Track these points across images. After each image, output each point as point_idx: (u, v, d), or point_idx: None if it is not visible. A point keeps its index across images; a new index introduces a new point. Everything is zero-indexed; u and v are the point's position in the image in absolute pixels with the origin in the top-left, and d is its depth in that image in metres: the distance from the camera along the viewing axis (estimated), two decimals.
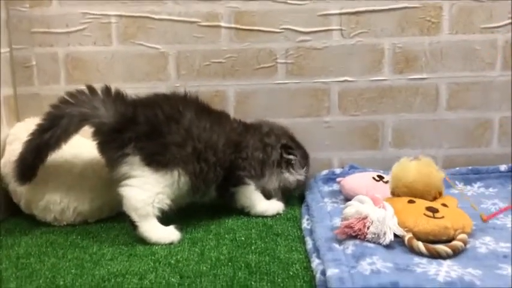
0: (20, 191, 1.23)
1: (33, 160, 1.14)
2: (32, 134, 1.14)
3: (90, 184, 1.23)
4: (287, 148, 1.30)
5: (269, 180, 1.28)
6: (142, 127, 1.11)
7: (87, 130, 1.36)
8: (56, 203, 1.21)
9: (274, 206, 1.26)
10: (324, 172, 1.41)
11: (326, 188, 1.33)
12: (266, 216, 1.24)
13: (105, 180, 1.23)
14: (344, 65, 1.40)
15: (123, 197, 1.10)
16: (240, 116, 1.39)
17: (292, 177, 1.30)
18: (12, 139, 1.29)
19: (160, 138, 1.12)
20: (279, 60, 1.40)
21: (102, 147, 1.16)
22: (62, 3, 1.37)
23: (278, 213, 1.26)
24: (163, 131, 1.12)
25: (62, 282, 0.93)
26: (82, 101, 1.14)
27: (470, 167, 1.38)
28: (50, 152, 1.14)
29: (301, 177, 1.31)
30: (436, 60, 1.39)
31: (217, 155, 1.18)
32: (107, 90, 1.15)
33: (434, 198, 1.07)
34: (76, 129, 1.13)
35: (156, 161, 1.11)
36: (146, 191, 1.10)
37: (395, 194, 1.09)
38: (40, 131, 1.13)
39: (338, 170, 1.41)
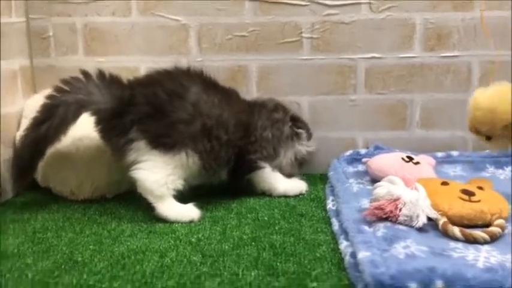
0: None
1: (30, 156, 1.08)
2: (27, 128, 1.08)
3: (108, 158, 1.19)
4: (296, 121, 1.26)
5: (284, 157, 1.23)
6: (142, 108, 1.05)
7: None
8: (73, 177, 1.18)
9: (298, 185, 1.22)
10: (348, 152, 1.36)
11: (351, 169, 1.29)
12: (289, 197, 1.20)
13: None
14: (372, 40, 1.34)
15: (136, 180, 1.06)
16: (262, 93, 1.35)
17: (304, 149, 1.26)
18: (29, 112, 1.26)
19: (164, 117, 1.05)
20: (304, 35, 1.34)
21: (105, 135, 1.11)
22: None
23: (301, 193, 1.21)
24: (167, 109, 1.06)
25: (80, 258, 0.90)
26: (77, 87, 1.08)
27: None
28: (48, 145, 1.08)
29: (311, 149, 1.28)
30: (469, 38, 1.33)
31: (228, 133, 1.11)
32: (101, 74, 1.09)
33: None
34: (74, 117, 1.07)
35: (162, 143, 1.05)
36: (157, 173, 1.06)
37: (473, 127, 1.04)
38: (36, 124, 1.07)
39: (363, 151, 1.36)
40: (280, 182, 1.21)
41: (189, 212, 1.07)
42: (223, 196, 1.19)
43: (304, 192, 1.22)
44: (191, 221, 1.06)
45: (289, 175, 1.24)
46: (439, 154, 1.32)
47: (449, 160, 1.31)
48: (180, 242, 0.96)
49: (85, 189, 1.19)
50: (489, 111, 1.00)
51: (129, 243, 0.96)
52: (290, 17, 1.33)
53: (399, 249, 0.81)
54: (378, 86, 1.36)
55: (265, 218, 1.07)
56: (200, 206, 1.11)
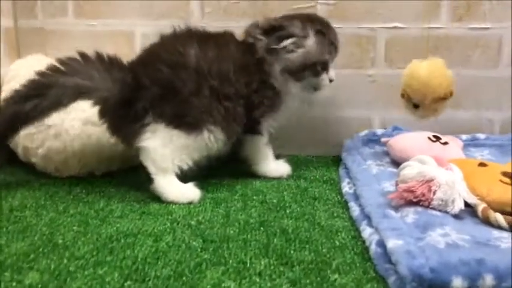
0: (16, 136, 1.06)
1: (4, 130, 0.95)
2: (7, 100, 0.95)
3: (98, 132, 1.06)
4: (272, 31, 1.02)
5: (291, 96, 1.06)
6: (151, 90, 0.94)
7: None
8: (58, 152, 1.05)
9: (281, 168, 1.10)
10: (363, 133, 1.24)
11: (367, 150, 1.16)
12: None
13: None
14: (394, 8, 1.20)
15: (143, 148, 0.95)
16: None
17: (297, 54, 1.02)
18: (12, 77, 1.13)
19: (176, 94, 0.95)
20: (319, 1, 1.21)
21: (114, 126, 0.99)
22: None
23: (282, 177, 1.08)
24: (175, 85, 0.95)
25: (61, 241, 0.77)
26: (75, 69, 0.95)
27: None
28: (28, 124, 0.96)
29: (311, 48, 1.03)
30: (503, 8, 1.19)
31: (232, 84, 0.98)
32: (99, 57, 0.96)
33: (444, 97, 1.04)
34: (68, 102, 0.95)
35: (184, 123, 0.95)
36: (168, 148, 0.95)
37: (405, 94, 1.05)
38: (18, 98, 0.94)
39: (380, 131, 1.23)
40: (266, 160, 1.09)
41: (189, 192, 0.95)
42: (226, 177, 1.07)
43: (285, 176, 1.09)
44: (190, 203, 0.93)
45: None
46: (464, 137, 1.21)
47: (475, 143, 1.20)
48: (178, 224, 0.84)
49: (71, 165, 1.06)
50: (424, 83, 1.03)
51: (118, 224, 0.83)
52: None
53: (436, 237, 0.69)
54: (399, 59, 1.22)
55: (274, 201, 0.94)
56: (200, 186, 0.98)
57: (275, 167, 1.10)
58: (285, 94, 1.06)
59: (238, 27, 1.20)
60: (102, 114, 0.99)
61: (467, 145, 1.17)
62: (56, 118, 1.04)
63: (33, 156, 1.08)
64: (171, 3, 1.22)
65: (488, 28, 1.21)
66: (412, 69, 1.05)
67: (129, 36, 1.22)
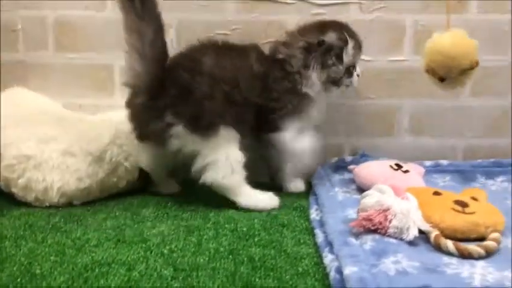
0: None
1: None
2: None
3: (77, 162, 1.11)
4: (310, 42, 1.10)
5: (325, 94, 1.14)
6: (170, 91, 1.05)
7: (75, 104, 1.26)
8: (38, 182, 1.09)
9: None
10: (334, 160, 1.30)
11: (336, 177, 1.22)
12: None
13: (95, 158, 1.12)
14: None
15: (210, 184, 1.07)
16: None
17: (340, 65, 1.11)
18: None
19: (190, 96, 1.04)
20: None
21: (143, 123, 1.08)
22: None
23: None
24: (191, 87, 1.04)
25: (38, 271, 0.81)
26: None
27: (492, 160, 1.26)
28: None
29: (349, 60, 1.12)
30: None
31: (242, 93, 1.07)
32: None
33: (470, 68, 1.02)
34: None
35: (199, 127, 1.04)
36: (218, 165, 1.05)
37: (430, 69, 1.03)
38: None
39: (349, 158, 1.29)
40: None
41: (270, 200, 1.09)
42: (200, 203, 1.12)
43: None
44: (273, 208, 1.08)
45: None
46: (428, 163, 1.27)
47: (438, 169, 1.26)
48: (151, 253, 0.88)
49: (51, 195, 1.10)
50: (448, 55, 1.01)
51: (94, 254, 0.87)
52: (275, 16, 1.27)
53: (388, 265, 0.75)
54: (366, 90, 1.29)
55: (244, 229, 0.99)
56: (174, 214, 1.03)
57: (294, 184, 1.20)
58: (317, 98, 1.13)
59: None
60: (131, 115, 1.09)
61: (431, 171, 1.23)
62: (35, 149, 1.09)
63: (14, 186, 1.11)
64: None
65: None
66: (435, 43, 1.03)
67: (108, 69, 1.27)
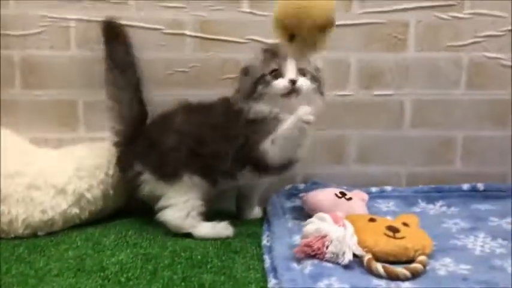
0: None
1: None
2: None
3: (42, 195, 1.17)
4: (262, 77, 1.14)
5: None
6: (141, 142, 1.20)
7: (41, 138, 1.32)
8: (4, 214, 1.15)
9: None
10: (287, 187, 1.38)
11: (288, 204, 1.30)
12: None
13: (58, 191, 1.18)
14: None
15: (165, 223, 1.18)
16: None
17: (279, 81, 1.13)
18: None
19: (157, 148, 1.17)
20: None
21: (121, 162, 1.24)
22: (19, 4, 1.31)
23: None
24: (159, 141, 1.18)
25: None
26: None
27: (433, 186, 1.36)
28: None
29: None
30: (402, 77, 1.38)
31: (211, 146, 1.16)
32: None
33: (324, 27, 0.96)
34: None
35: (164, 173, 1.17)
36: (176, 207, 1.17)
37: (279, 22, 0.96)
38: None
39: (301, 185, 1.38)
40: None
41: (225, 229, 1.18)
42: (159, 231, 1.18)
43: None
44: (227, 237, 1.16)
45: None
46: (373, 189, 1.36)
47: (382, 195, 1.35)
48: (109, 281, 0.94)
49: (16, 227, 1.15)
50: (302, 5, 0.95)
51: (54, 283, 0.93)
52: (230, 54, 1.35)
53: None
54: (315, 122, 1.39)
55: (199, 257, 1.06)
56: (134, 242, 1.10)
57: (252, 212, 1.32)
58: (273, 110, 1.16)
59: (172, 95, 1.34)
60: (117, 144, 1.25)
61: (376, 197, 1.33)
62: (1, 183, 1.14)
63: None
64: None
65: (391, 94, 1.39)
66: None
67: (72, 105, 1.34)
